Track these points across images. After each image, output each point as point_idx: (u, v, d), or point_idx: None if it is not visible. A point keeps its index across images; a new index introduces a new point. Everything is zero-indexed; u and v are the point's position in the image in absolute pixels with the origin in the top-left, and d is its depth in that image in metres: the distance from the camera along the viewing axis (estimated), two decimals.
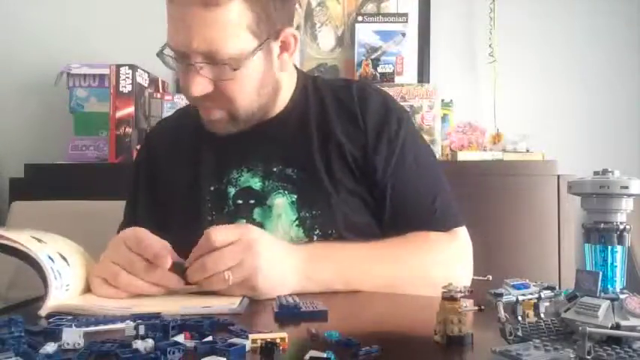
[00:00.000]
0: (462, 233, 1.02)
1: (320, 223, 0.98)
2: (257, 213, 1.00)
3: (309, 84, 1.10)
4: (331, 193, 1.00)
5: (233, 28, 0.89)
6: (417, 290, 0.88)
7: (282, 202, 1.00)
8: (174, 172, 1.08)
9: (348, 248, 0.93)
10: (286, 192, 1.00)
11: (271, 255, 0.82)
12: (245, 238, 0.80)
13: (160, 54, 0.94)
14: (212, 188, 1.03)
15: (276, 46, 0.97)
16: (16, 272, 1.45)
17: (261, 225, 0.98)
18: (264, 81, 0.97)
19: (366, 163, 1.02)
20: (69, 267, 0.79)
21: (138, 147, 1.91)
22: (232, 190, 1.02)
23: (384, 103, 1.07)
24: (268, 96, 1.01)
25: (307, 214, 0.99)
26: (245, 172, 1.03)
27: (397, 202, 1.01)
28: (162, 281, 0.80)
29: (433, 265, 0.94)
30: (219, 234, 0.79)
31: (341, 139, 1.03)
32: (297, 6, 1.05)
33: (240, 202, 1.01)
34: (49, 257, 0.76)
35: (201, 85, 0.91)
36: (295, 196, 1.00)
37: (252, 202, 1.01)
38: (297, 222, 0.98)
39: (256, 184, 1.02)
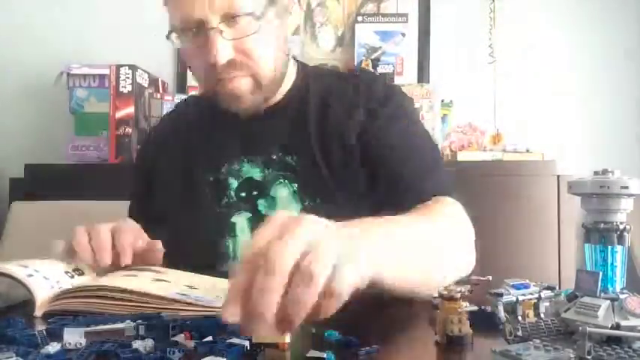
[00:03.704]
0: (450, 198, 0.96)
1: (324, 212, 0.92)
2: (261, 204, 1.00)
3: (311, 72, 1.10)
4: (329, 180, 0.98)
5: None
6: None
7: (285, 194, 0.99)
8: (169, 163, 1.08)
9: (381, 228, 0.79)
10: (287, 181, 1.00)
11: None
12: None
13: (170, 36, 0.93)
14: (211, 179, 1.02)
15: (282, 7, 0.97)
16: None
17: (264, 217, 0.96)
18: (279, 40, 0.98)
19: (361, 139, 0.99)
20: (50, 263, 0.79)
21: (138, 147, 1.92)
22: (234, 182, 1.01)
23: (388, 87, 1.07)
24: (282, 66, 1.00)
25: (311, 204, 0.98)
26: (246, 162, 1.02)
27: (393, 167, 0.97)
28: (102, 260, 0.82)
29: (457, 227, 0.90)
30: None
31: (340, 121, 1.01)
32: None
33: (243, 194, 1.01)
34: (21, 265, 0.75)
35: (227, 50, 0.91)
36: (296, 185, 0.99)
37: (255, 193, 1.00)
38: (301, 213, 0.95)
39: (257, 174, 1.01)
